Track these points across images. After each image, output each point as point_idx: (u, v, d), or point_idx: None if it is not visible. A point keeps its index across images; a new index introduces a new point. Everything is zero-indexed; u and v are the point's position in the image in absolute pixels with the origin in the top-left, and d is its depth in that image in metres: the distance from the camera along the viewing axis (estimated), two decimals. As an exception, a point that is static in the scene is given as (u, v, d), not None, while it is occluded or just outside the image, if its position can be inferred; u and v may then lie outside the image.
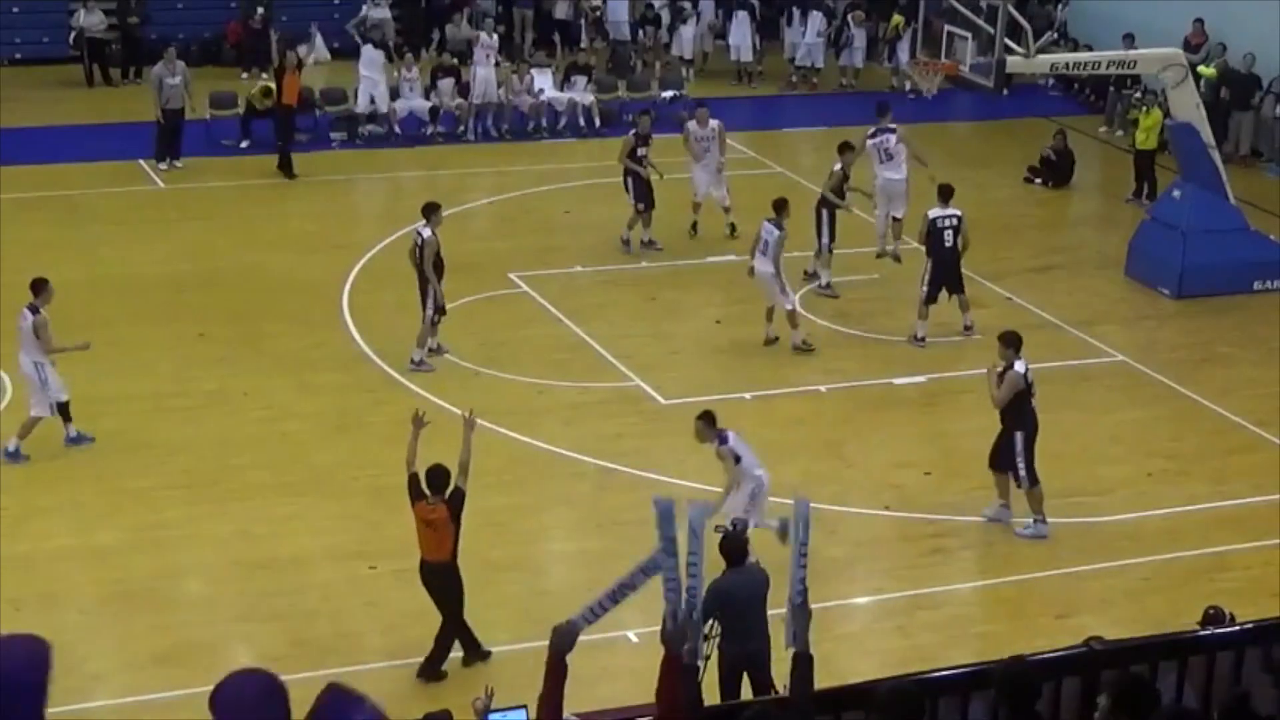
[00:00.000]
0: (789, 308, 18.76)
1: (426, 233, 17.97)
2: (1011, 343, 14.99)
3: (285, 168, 24.97)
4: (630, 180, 22.11)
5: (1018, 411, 14.91)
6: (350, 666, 12.61)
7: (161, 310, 19.65)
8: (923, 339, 19.26)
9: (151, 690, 12.12)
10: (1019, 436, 14.89)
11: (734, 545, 11.39)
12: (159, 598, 13.60)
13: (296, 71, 25.20)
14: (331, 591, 13.76)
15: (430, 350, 18.27)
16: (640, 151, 22.10)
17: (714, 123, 22.60)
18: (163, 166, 25.06)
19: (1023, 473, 14.93)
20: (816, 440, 16.94)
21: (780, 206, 18.88)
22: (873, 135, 21.11)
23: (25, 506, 14.86)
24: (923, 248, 19.42)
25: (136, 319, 19.37)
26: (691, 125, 22.70)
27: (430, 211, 18.12)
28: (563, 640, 8.59)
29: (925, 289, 19.28)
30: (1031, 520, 15.04)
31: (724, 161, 22.68)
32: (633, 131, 22.65)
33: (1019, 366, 14.85)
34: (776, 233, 18.62)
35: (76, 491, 15.27)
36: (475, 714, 8.60)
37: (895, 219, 21.14)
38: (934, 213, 19.28)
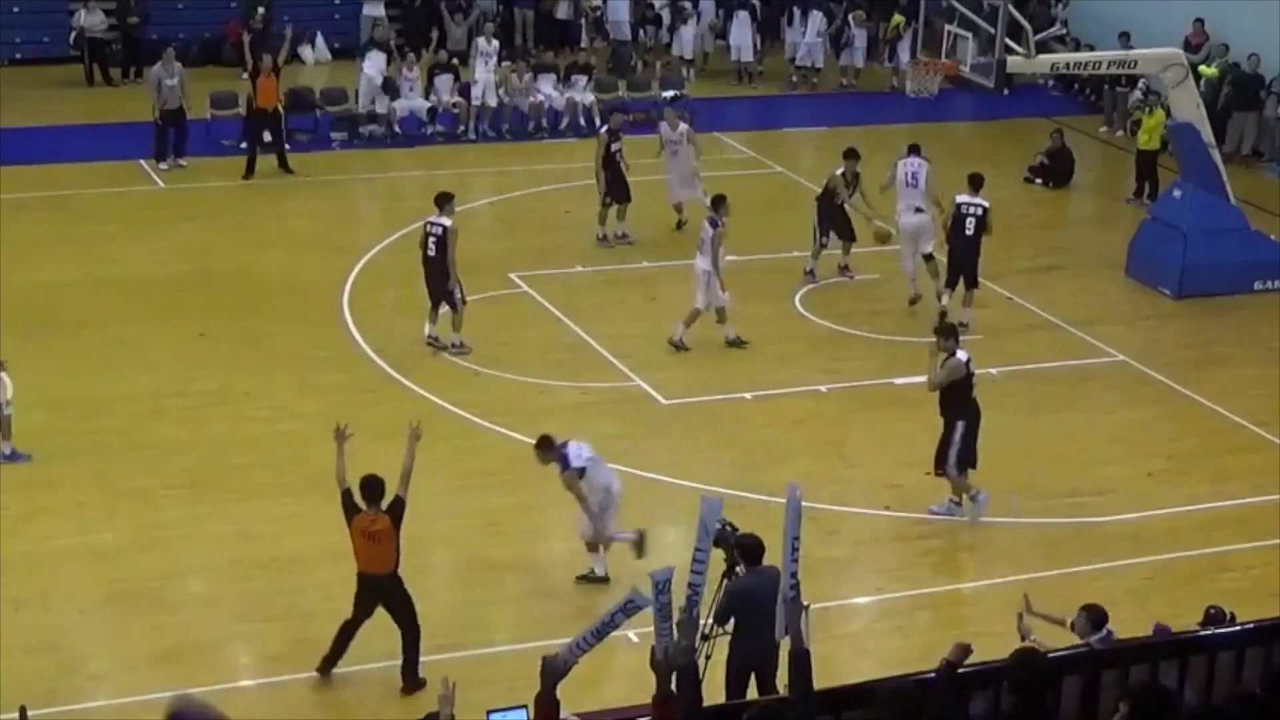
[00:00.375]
0: (699, 306, 18.73)
1: (447, 221, 18.12)
2: (950, 333, 15.18)
3: (283, 165, 24.98)
4: (606, 175, 22.31)
5: (960, 401, 15.04)
6: (350, 667, 12.62)
7: (162, 310, 19.64)
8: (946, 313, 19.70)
9: (152, 690, 12.09)
10: (959, 426, 15.02)
11: (752, 545, 11.35)
12: (159, 598, 13.59)
13: (272, 75, 24.96)
14: (332, 591, 13.70)
15: (430, 340, 18.39)
16: (614, 147, 22.29)
17: (683, 126, 22.73)
18: (163, 166, 25.02)
19: (952, 460, 15.06)
20: (817, 440, 16.93)
21: (718, 203, 19.01)
22: (904, 157, 20.63)
23: (26, 506, 14.85)
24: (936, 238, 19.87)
25: (137, 319, 19.37)
26: (662, 126, 22.85)
27: (444, 201, 18.27)
28: (553, 673, 8.55)
29: (945, 273, 19.78)
30: (948, 501, 15.25)
31: (698, 166, 22.61)
32: (604, 129, 22.83)
33: (961, 355, 15.00)
34: (711, 230, 18.66)
35: (77, 491, 15.26)
36: (441, 705, 8.53)
37: (926, 256, 20.44)
38: (961, 199, 19.55)
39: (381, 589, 12.28)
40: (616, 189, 22.25)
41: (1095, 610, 11.06)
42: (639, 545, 13.80)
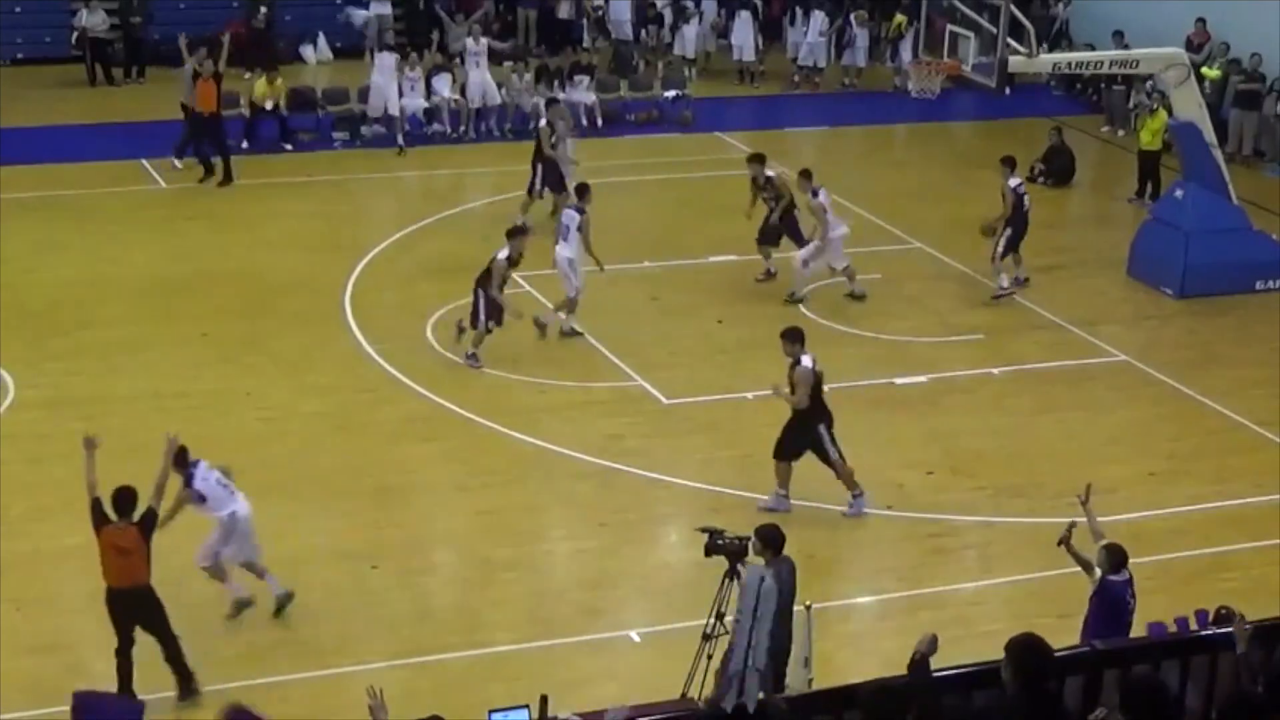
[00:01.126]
0: (570, 294, 18.93)
1: (501, 254, 17.97)
2: (796, 338, 15.02)
3: (209, 172, 24.52)
4: (543, 167, 22.68)
5: (813, 405, 14.92)
6: (351, 666, 12.62)
7: (163, 310, 19.65)
8: (1011, 285, 20.72)
9: (153, 690, 12.09)
10: (821, 429, 14.93)
11: (772, 535, 11.34)
12: (161, 598, 13.54)
13: (212, 80, 24.57)
14: (333, 591, 13.76)
15: (470, 355, 18.16)
16: (553, 139, 22.78)
17: (562, 122, 23.47)
18: (177, 165, 24.91)
19: (835, 458, 14.99)
20: (818, 440, 16.91)
21: (582, 192, 19.33)
22: (815, 194, 20.38)
23: (27, 506, 14.84)
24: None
25: (138, 319, 19.37)
26: (543, 120, 23.55)
27: (513, 234, 18.24)
28: None
29: (1000, 249, 20.66)
30: (852, 498, 15.18)
31: (565, 157, 23.20)
32: (544, 121, 23.29)
33: (806, 361, 14.89)
34: (577, 218, 18.89)
35: (79, 491, 15.17)
36: (372, 713, 8.46)
37: (834, 269, 20.57)
38: (1014, 182, 20.66)
39: (133, 603, 11.95)
40: (552, 180, 22.66)
41: (1116, 550, 11.32)
42: (282, 604, 13.31)
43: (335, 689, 12.40)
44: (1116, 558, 11.33)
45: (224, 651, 13.00)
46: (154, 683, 12.21)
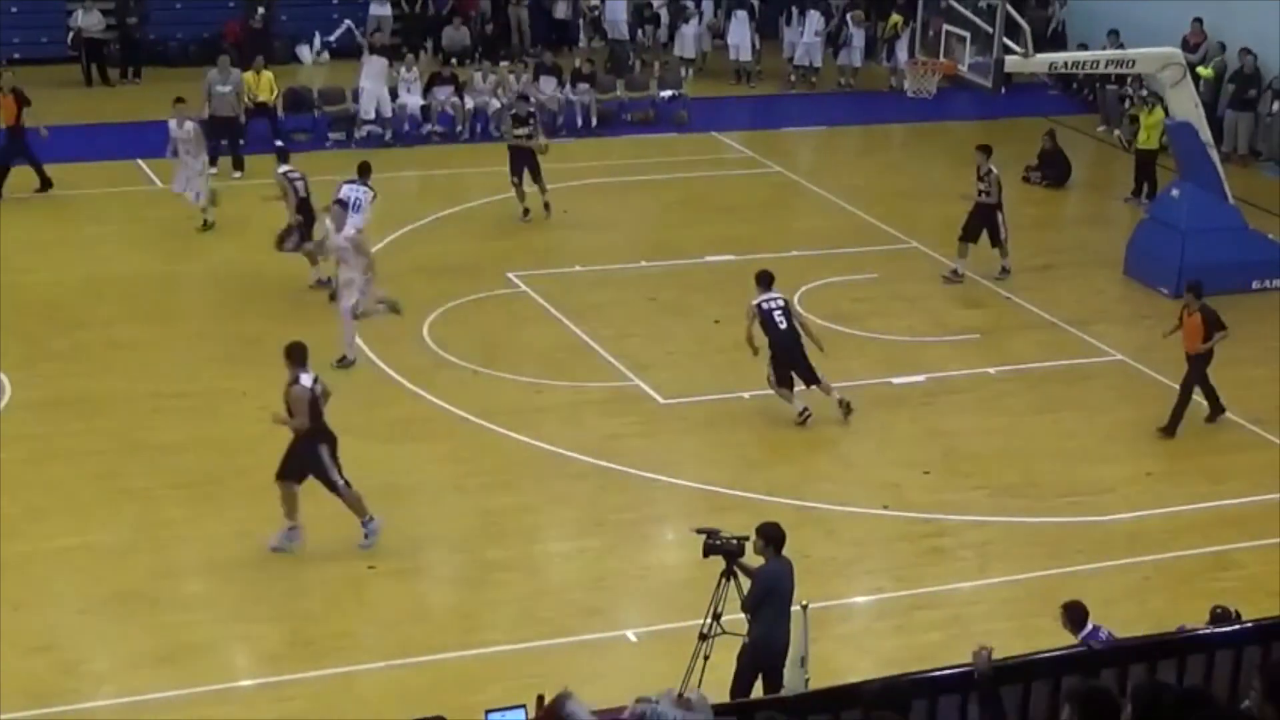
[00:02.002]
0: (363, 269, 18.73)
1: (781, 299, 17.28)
2: (296, 357, 14.20)
3: (46, 183, 23.82)
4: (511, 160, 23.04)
5: (314, 426, 14.17)
6: (349, 666, 12.64)
7: (161, 310, 19.65)
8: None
9: (151, 690, 12.12)
10: (322, 450, 14.20)
11: (775, 533, 11.35)
12: (158, 598, 13.58)
13: (11, 95, 24.06)
14: (331, 591, 13.77)
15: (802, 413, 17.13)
16: (519, 131, 23.19)
17: (189, 124, 22.60)
18: (212, 170, 24.69)
19: (338, 482, 14.18)
20: (815, 439, 16.93)
21: (365, 169, 20.11)
22: (348, 183, 20.09)
23: (25, 506, 14.84)
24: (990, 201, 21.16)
25: (135, 318, 19.36)
26: (171, 124, 22.83)
27: (767, 282, 17.38)
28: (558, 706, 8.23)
29: (1005, 233, 21.25)
30: (363, 524, 14.28)
31: (204, 166, 22.92)
32: (513, 114, 23.65)
33: (305, 380, 14.10)
34: (370, 193, 19.53)
35: (77, 491, 15.26)
36: None
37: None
38: (994, 168, 21.22)
39: None
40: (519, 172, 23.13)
41: (1073, 609, 11.26)
42: None
43: (334, 689, 12.41)
44: (1074, 615, 11.21)
45: (224, 651, 13.02)
46: (151, 683, 12.24)
